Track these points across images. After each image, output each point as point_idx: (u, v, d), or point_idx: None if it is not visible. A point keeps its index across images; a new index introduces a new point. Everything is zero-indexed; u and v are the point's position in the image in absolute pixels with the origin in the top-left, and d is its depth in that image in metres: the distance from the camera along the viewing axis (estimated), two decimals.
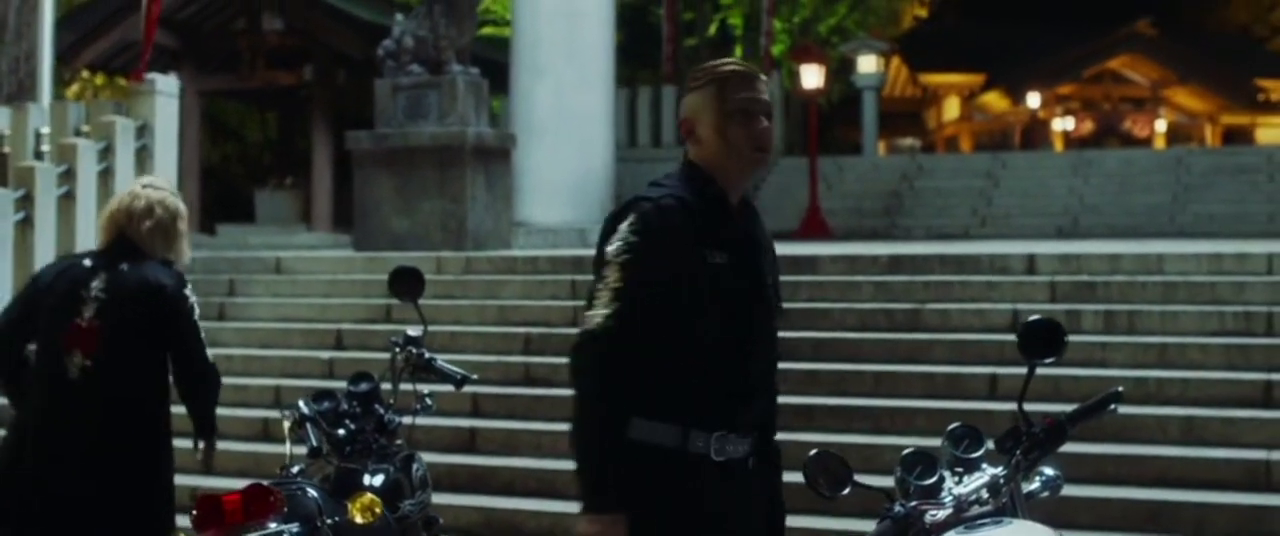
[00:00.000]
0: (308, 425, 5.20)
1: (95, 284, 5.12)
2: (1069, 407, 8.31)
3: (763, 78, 3.39)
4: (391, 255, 11.90)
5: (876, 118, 28.69)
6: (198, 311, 5.30)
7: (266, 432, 9.50)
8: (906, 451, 4.13)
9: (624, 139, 20.68)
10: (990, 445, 4.15)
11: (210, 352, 5.37)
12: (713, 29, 33.29)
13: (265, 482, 4.16)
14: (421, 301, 5.67)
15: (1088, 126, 44.97)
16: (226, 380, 10.04)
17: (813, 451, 3.68)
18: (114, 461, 5.03)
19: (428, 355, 5.64)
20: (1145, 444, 7.83)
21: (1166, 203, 20.30)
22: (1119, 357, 8.78)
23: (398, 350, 5.63)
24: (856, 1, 34.23)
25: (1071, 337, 9.13)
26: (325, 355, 10.25)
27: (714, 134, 3.31)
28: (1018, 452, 4.04)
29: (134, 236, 5.20)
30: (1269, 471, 7.56)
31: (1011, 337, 9.06)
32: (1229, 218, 18.98)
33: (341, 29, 20.27)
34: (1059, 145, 42.83)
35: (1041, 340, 4.13)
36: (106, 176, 12.11)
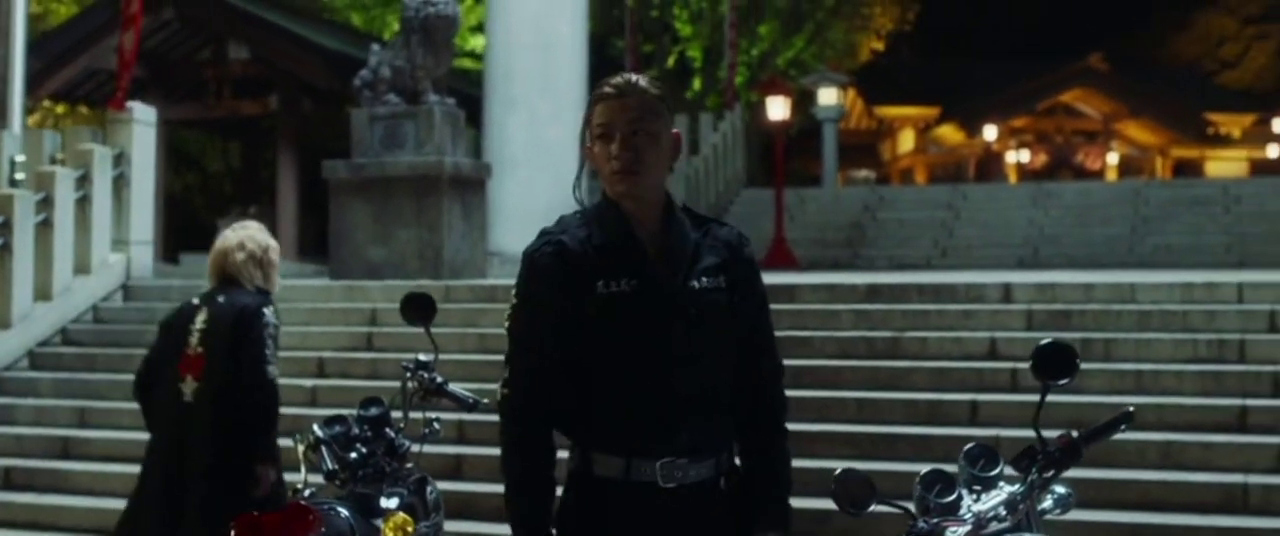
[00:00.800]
0: (322, 448, 5.25)
1: (199, 317, 5.89)
2: (1050, 433, 8.50)
3: (636, 93, 3.20)
4: (370, 284, 11.97)
5: (836, 149, 28.94)
6: (272, 330, 5.86)
7: None
8: (925, 470, 4.25)
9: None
10: (1005, 465, 4.30)
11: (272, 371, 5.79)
12: (671, 61, 33.53)
13: (303, 501, 4.22)
14: (433, 328, 5.72)
15: (1041, 159, 45.47)
16: None
17: (838, 471, 3.80)
18: (228, 476, 5.67)
19: (440, 380, 5.71)
20: (1125, 468, 7.99)
21: (1125, 234, 20.59)
22: (1096, 384, 8.95)
23: (409, 375, 5.70)
24: (814, 35, 34.57)
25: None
26: (308, 383, 10.29)
27: (590, 159, 3.27)
28: (1034, 471, 4.19)
29: (230, 269, 5.95)
30: (1246, 494, 7.73)
31: (990, 364, 9.34)
32: (1186, 249, 19.26)
33: (308, 58, 20.33)
34: (1013, 177, 43.28)
35: (1055, 363, 4.27)
36: (84, 205, 12.14)
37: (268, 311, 5.82)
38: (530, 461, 3.19)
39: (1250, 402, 8.47)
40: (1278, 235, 19.53)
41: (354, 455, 5.34)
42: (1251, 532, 7.43)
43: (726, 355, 3.28)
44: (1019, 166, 45.24)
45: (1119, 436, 8.18)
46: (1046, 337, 9.68)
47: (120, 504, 9.23)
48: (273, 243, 6.11)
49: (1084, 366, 9.27)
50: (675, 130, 3.31)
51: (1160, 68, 46.30)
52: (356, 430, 5.45)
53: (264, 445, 5.86)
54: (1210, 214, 20.92)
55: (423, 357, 5.81)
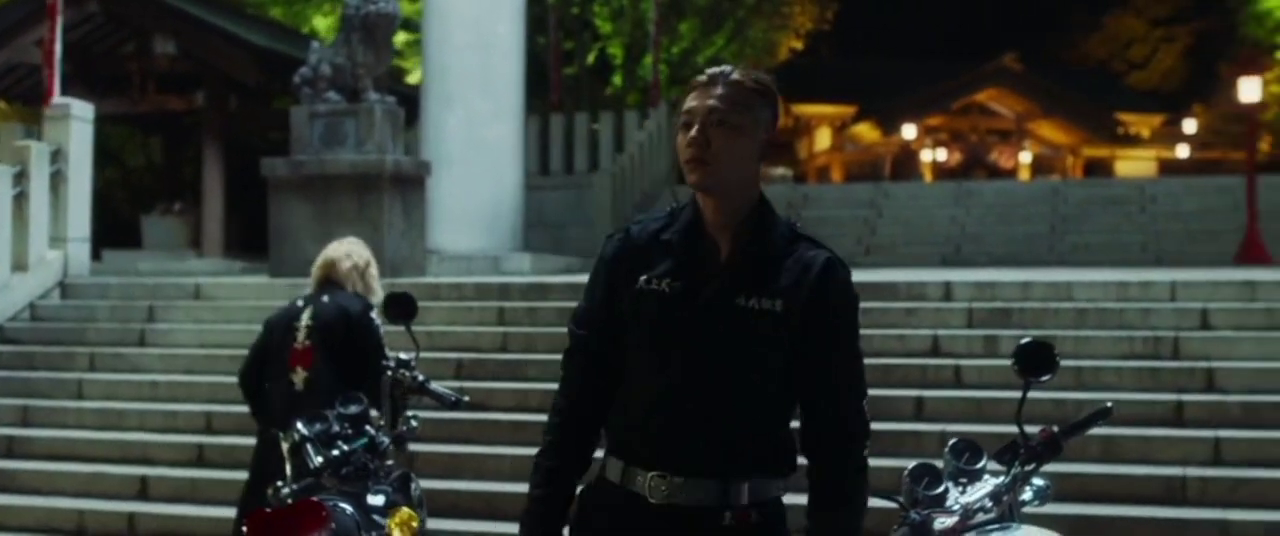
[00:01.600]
0: (308, 446, 5.30)
1: (305, 315, 6.53)
2: (993, 429, 8.75)
3: (725, 82, 3.05)
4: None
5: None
6: (382, 332, 6.49)
7: (201, 458, 9.55)
8: (912, 465, 4.44)
9: (535, 167, 20.88)
10: (988, 459, 4.49)
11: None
12: (592, 58, 33.57)
13: (316, 498, 4.29)
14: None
15: (956, 157, 46.10)
16: (154, 406, 10.14)
17: None
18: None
19: (422, 377, 5.79)
20: (1067, 462, 8.19)
21: (1045, 232, 20.98)
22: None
23: (391, 373, 5.77)
24: (734, 33, 34.78)
25: (989, 362, 9.61)
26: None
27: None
28: (1016, 464, 4.38)
29: (336, 276, 6.66)
30: (1185, 486, 8.00)
31: (933, 361, 9.56)
32: (1104, 247, 19.68)
33: (235, 54, 20.18)
34: (929, 175, 43.85)
35: (1036, 360, 4.47)
36: (21, 201, 12.04)
37: (375, 315, 6.46)
38: (556, 435, 3.14)
39: (1186, 398, 8.74)
40: (1192, 234, 20.02)
41: (335, 452, 5.40)
42: (1190, 523, 7.68)
43: (762, 383, 3.05)
44: (934, 164, 45.85)
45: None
46: (983, 334, 9.90)
47: (68, 502, 9.25)
48: (372, 258, 6.88)
49: None
50: (769, 129, 3.10)
51: (1072, 68, 47.12)
52: (337, 427, 5.51)
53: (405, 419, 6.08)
54: (1126, 213, 21.37)
55: (403, 356, 5.88)
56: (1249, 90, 18.26)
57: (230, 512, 8.86)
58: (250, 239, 22.13)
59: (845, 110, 46.60)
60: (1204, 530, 7.62)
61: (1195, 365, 9.10)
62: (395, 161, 12.74)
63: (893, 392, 9.12)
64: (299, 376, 6.42)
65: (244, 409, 9.89)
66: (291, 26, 26.35)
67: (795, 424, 3.14)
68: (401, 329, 5.98)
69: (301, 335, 6.47)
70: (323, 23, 26.72)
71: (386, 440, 5.56)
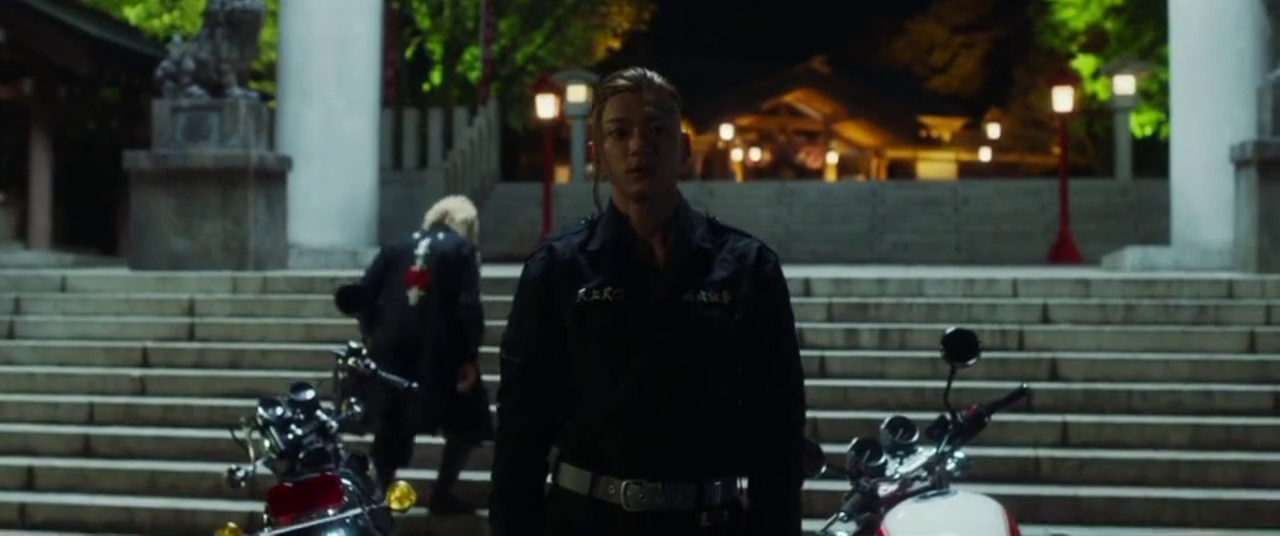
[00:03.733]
0: (271, 429, 5.60)
1: (423, 246, 7.87)
2: (857, 415, 9.38)
3: (652, 86, 3.08)
4: (183, 275, 12.08)
5: (585, 145, 29.65)
6: (479, 266, 7.92)
7: (88, 449, 9.64)
8: (854, 440, 4.98)
9: (388, 161, 21.01)
10: (919, 434, 5.06)
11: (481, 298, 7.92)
12: (410, 53, 33.60)
13: (330, 472, 4.60)
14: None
15: (765, 157, 47.24)
16: (30, 398, 10.22)
17: None
18: (443, 356, 7.69)
19: (372, 366, 6.11)
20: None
21: (865, 231, 21.91)
22: (897, 370, 9.84)
23: (341, 361, 6.09)
24: (553, 31, 35.14)
25: (851, 354, 10.22)
26: (135, 372, 10.39)
27: (601, 162, 3.13)
28: (946, 439, 4.95)
29: (448, 221, 8.03)
30: (1038, 466, 8.73)
31: (800, 353, 10.11)
32: (922, 246, 20.64)
33: (68, 44, 19.90)
34: (739, 175, 44.87)
35: (961, 347, 5.05)
36: None
37: (476, 254, 7.94)
38: (511, 470, 3.14)
39: (1034, 386, 9.45)
40: (1002, 234, 21.13)
41: (289, 437, 5.71)
42: (1044, 499, 8.39)
43: (720, 376, 3.09)
44: (743, 164, 46.92)
45: (921, 417, 9.14)
46: (844, 327, 10.54)
47: None
48: (474, 211, 8.27)
49: (884, 355, 10.27)
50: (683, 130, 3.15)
51: (877, 71, 48.63)
52: (289, 413, 5.82)
53: (474, 350, 7.88)
54: (942, 214, 22.42)
55: (354, 345, 6.20)
56: (1062, 100, 19.35)
57: (123, 501, 9.05)
58: (80, 231, 21.84)
59: None
60: (1057, 505, 8.33)
61: (1040, 356, 9.85)
62: (259, 156, 12.90)
63: None
64: (414, 294, 7.76)
65: (128, 400, 10.14)
66: (122, 20, 25.90)
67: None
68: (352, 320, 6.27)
69: (419, 262, 7.80)
70: (132, 12, 26.23)
71: (336, 425, 5.89)
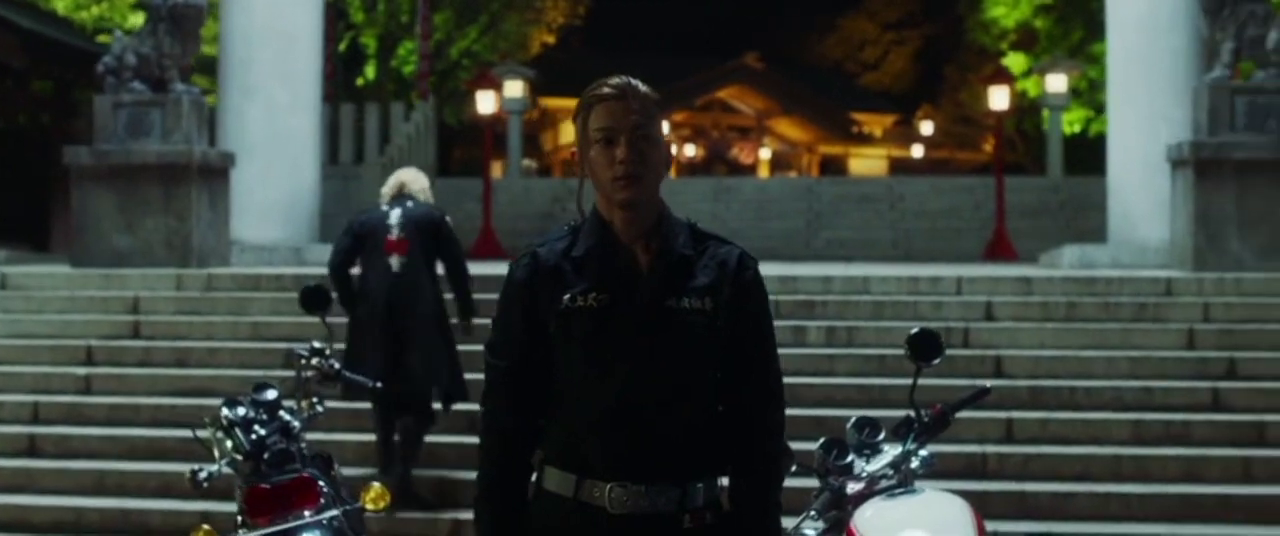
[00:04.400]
0: (236, 430, 5.59)
1: (394, 215, 8.31)
2: (806, 412, 9.48)
3: (637, 95, 3.14)
4: (127, 272, 11.99)
5: (521, 140, 29.65)
6: (451, 225, 8.51)
7: (33, 448, 9.56)
8: (822, 439, 5.06)
9: (325, 157, 20.88)
10: (885, 433, 5.15)
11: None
12: (344, 46, 33.42)
13: (307, 474, 4.61)
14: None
15: (698, 153, 47.40)
16: None
17: None
18: (434, 318, 8.29)
19: (337, 365, 6.12)
20: None
21: (801, 228, 22.03)
22: (844, 367, 9.96)
23: (304, 361, 6.09)
24: (488, 26, 35.08)
25: (798, 351, 10.33)
26: (80, 371, 10.31)
27: (585, 169, 3.18)
28: (911, 438, 5.05)
29: (407, 191, 8.43)
30: (984, 461, 8.87)
31: None
32: (857, 243, 20.78)
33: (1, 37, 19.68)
34: (672, 170, 44.97)
35: (925, 347, 5.15)
36: None
37: (448, 219, 8.50)
38: (495, 472, 3.18)
39: (979, 383, 9.56)
40: (938, 231, 21.33)
41: (253, 437, 5.71)
42: (991, 494, 8.51)
43: (702, 381, 3.15)
44: (677, 159, 47.05)
45: (870, 414, 9.27)
46: (791, 325, 10.63)
47: None
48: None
49: (832, 352, 10.37)
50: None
51: (810, 68, 48.94)
52: (252, 413, 5.81)
53: (471, 306, 8.59)
54: (877, 210, 22.58)
55: (317, 344, 6.20)
56: (998, 98, 19.58)
57: (70, 501, 9.00)
58: (11, 227, 21.53)
59: None
60: (1003, 500, 8.47)
61: (985, 353, 10.00)
62: (203, 152, 12.82)
63: None
64: (396, 261, 8.26)
65: (73, 399, 10.06)
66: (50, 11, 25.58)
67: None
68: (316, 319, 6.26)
69: (396, 231, 8.26)
70: (61, 3, 25.84)
71: (299, 425, 5.89)
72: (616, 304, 3.10)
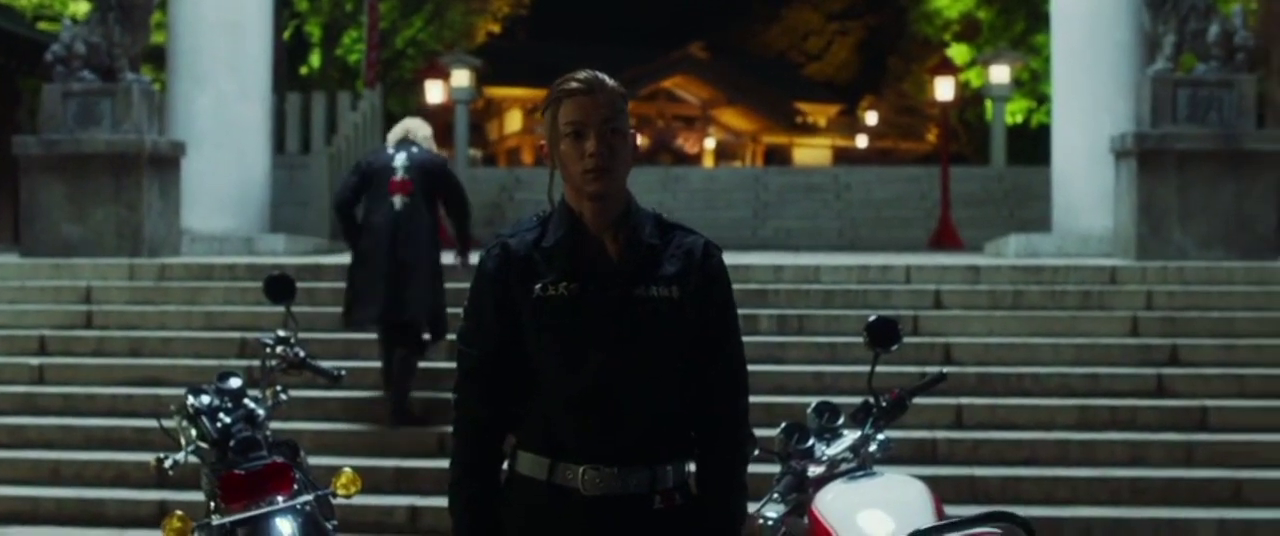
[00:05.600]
0: (202, 418, 5.62)
1: (400, 158, 9.07)
2: (755, 399, 9.60)
3: (605, 89, 3.22)
4: (78, 262, 11.95)
5: (467, 130, 29.65)
6: (453, 168, 9.67)
7: None
8: (784, 424, 5.18)
9: (272, 146, 20.78)
10: (845, 417, 5.27)
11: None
12: (288, 35, 33.24)
13: (280, 460, 4.67)
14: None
15: (644, 142, 47.51)
16: None
17: None
18: (429, 254, 9.02)
19: (302, 354, 6.16)
20: None
21: (748, 217, 22.20)
22: (795, 355, 10.08)
23: (269, 349, 6.13)
24: (433, 15, 35.00)
25: (750, 339, 10.42)
26: (33, 361, 10.26)
27: (555, 161, 3.24)
28: (870, 423, 5.18)
29: (412, 136, 9.20)
30: (934, 447, 9.03)
31: None
32: (804, 232, 20.97)
33: None
34: None
35: (883, 334, 5.28)
36: None
37: (449, 163, 9.50)
38: (468, 458, 3.27)
39: (928, 370, 9.74)
40: (883, 221, 21.57)
41: (219, 425, 5.75)
42: (941, 478, 8.63)
43: (671, 366, 3.24)
44: None
45: (819, 401, 9.41)
46: (743, 313, 10.73)
47: None
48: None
49: (783, 340, 10.50)
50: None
51: (754, 58, 49.14)
52: (217, 402, 5.84)
53: (470, 236, 9.36)
54: (823, 200, 22.79)
55: (282, 333, 6.24)
56: (943, 89, 19.79)
57: (26, 491, 8.98)
58: None
59: (537, 93, 47.37)
60: (953, 484, 8.61)
61: (934, 340, 10.15)
62: (153, 142, 12.79)
63: None
64: (398, 200, 8.96)
65: (26, 389, 10.05)
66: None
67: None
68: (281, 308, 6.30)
69: (400, 173, 8.98)
70: None
71: (263, 413, 5.93)
72: (587, 292, 3.18)
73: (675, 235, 3.30)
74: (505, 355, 3.23)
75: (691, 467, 3.32)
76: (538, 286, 3.18)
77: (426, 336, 9.21)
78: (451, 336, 8.78)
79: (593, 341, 3.17)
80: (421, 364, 9.26)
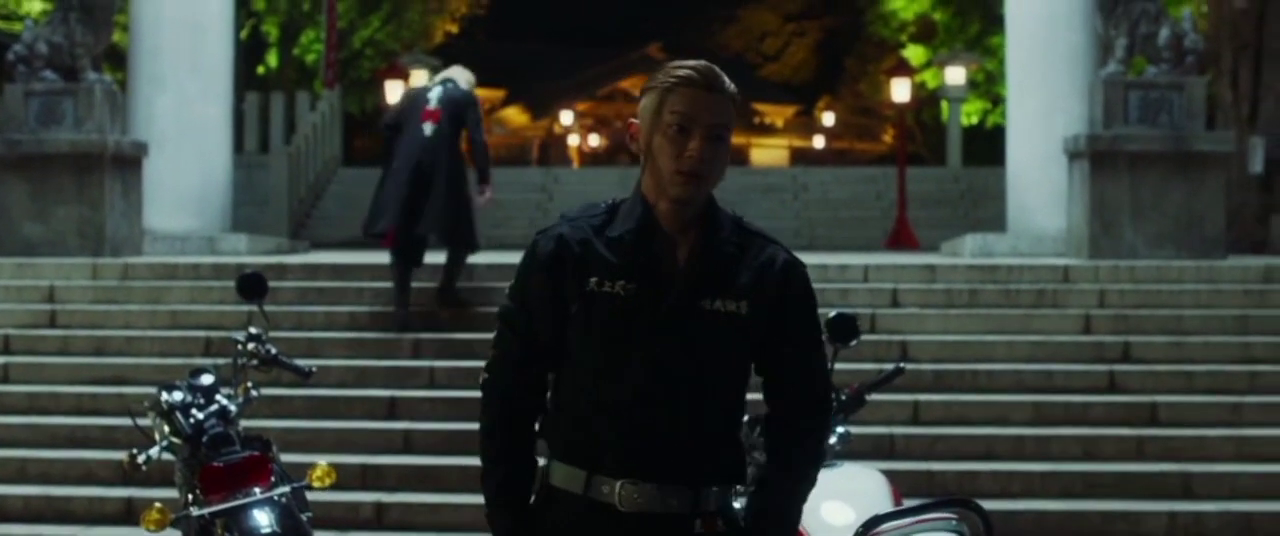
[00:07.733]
0: (176, 414, 5.71)
1: (434, 91, 10.28)
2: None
3: (724, 88, 3.02)
4: (41, 261, 11.97)
5: None
6: (481, 108, 10.53)
7: None
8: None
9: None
10: None
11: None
12: (245, 34, 33.18)
13: (256, 453, 4.78)
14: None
15: (602, 142, 47.62)
16: None
17: None
18: (452, 177, 10.04)
19: (274, 351, 6.25)
20: None
21: None
22: None
23: (241, 346, 6.22)
24: (391, 15, 35.02)
25: None
26: None
27: (646, 149, 3.03)
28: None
29: (451, 77, 10.37)
30: (892, 442, 9.20)
31: None
32: None
33: None
34: (576, 160, 45.18)
35: (843, 329, 5.42)
36: None
37: (478, 97, 10.48)
38: (502, 443, 3.07)
39: (886, 367, 9.90)
40: (840, 221, 21.78)
41: (192, 421, 5.84)
42: (900, 473, 8.77)
43: (727, 383, 3.04)
44: (581, 149, 47.24)
45: None
46: None
47: None
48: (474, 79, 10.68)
49: None
50: None
51: (711, 59, 48.88)
52: (190, 398, 5.93)
53: (488, 173, 10.57)
54: (781, 200, 22.98)
55: (254, 331, 6.32)
56: (899, 91, 20.01)
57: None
58: None
59: (495, 94, 47.47)
60: (911, 478, 8.73)
61: (891, 338, 10.33)
62: (116, 142, 12.83)
63: None
64: (429, 127, 10.03)
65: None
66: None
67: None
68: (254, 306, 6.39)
69: (433, 102, 10.10)
70: None
71: (235, 409, 6.02)
72: (644, 295, 2.97)
73: (754, 242, 3.08)
74: (542, 343, 3.03)
75: (739, 494, 3.19)
76: (593, 279, 2.97)
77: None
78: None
79: (640, 347, 2.96)
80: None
